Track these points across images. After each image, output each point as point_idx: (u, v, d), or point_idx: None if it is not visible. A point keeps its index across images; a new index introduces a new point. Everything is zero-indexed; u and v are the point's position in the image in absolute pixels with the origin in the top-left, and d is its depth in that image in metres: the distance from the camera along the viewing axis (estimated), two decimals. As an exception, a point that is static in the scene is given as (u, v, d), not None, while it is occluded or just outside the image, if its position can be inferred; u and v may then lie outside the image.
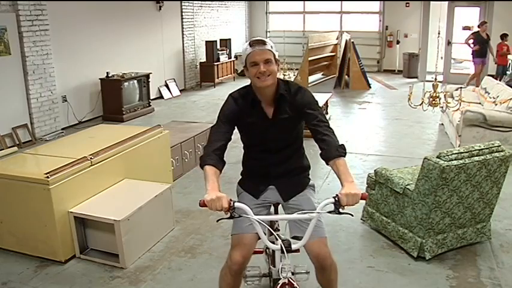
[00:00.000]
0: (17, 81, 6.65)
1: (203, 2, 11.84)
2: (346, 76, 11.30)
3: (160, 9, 10.04)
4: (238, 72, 12.86)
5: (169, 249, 3.68)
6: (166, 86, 10.45)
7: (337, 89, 10.98)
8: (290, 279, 2.08)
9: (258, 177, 2.45)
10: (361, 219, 4.02)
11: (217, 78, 11.51)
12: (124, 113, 8.13)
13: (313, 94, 2.41)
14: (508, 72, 10.08)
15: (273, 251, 2.36)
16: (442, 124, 7.36)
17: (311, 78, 10.75)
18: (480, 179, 3.30)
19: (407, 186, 3.45)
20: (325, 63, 11.84)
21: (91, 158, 3.69)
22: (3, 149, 6.28)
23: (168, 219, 3.97)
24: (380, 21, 13.61)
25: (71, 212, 3.44)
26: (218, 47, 11.72)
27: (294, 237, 2.27)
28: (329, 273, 2.30)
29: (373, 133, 7.22)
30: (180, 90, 10.84)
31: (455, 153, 3.20)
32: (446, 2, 11.50)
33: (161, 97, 10.16)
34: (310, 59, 10.41)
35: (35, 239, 3.48)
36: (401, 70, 13.03)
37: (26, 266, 3.43)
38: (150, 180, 4.11)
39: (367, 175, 3.97)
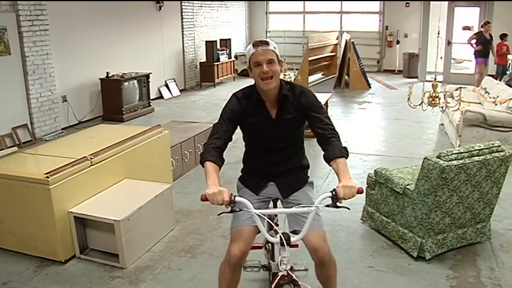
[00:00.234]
0: (17, 81, 6.65)
1: (203, 2, 11.84)
2: (346, 76, 11.30)
3: (160, 9, 10.04)
4: (238, 72, 12.87)
5: (169, 249, 3.68)
6: (166, 86, 10.46)
7: (337, 89, 10.98)
8: (289, 272, 2.12)
9: (259, 174, 2.50)
10: (361, 219, 4.02)
11: (217, 78, 11.51)
12: (124, 113, 8.13)
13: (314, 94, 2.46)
14: (508, 72, 10.08)
15: (272, 246, 2.43)
16: (442, 124, 7.36)
17: (311, 78, 10.75)
18: (480, 179, 3.30)
19: (407, 186, 3.45)
20: (325, 63, 11.83)
21: (91, 158, 3.69)
22: (3, 149, 6.28)
23: (168, 219, 3.97)
24: (380, 21, 13.61)
25: (71, 212, 3.44)
26: (218, 47, 11.72)
27: (292, 232, 2.31)
28: (327, 268, 2.33)
29: (373, 133, 7.22)
30: (180, 90, 10.84)
31: (455, 153, 3.21)
32: (446, 2, 11.50)
33: (161, 97, 10.16)
34: (310, 59, 10.40)
35: (35, 239, 3.48)
36: (401, 70, 13.03)
37: (26, 266, 3.43)
38: (150, 180, 4.11)
39: (367, 175, 3.97)
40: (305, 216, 2.19)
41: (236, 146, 3.15)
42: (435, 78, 5.07)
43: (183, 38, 11.05)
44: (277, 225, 2.61)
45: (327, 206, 2.04)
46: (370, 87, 11.12)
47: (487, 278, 3.21)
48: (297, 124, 2.42)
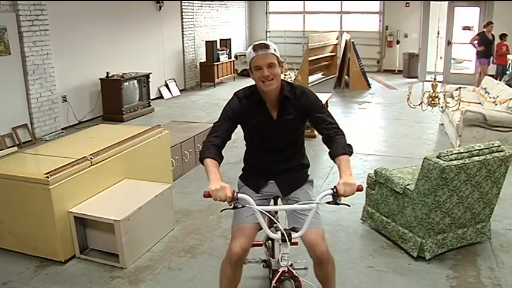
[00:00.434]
0: (17, 81, 6.65)
1: (203, 2, 11.84)
2: (346, 76, 11.29)
3: (160, 9, 10.04)
4: (238, 72, 12.87)
5: (169, 249, 3.68)
6: (166, 86, 10.45)
7: (337, 89, 10.98)
8: (289, 268, 2.13)
9: (259, 173, 2.52)
10: (361, 219, 4.02)
11: (217, 78, 11.51)
12: (124, 113, 8.13)
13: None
14: (507, 72, 10.08)
15: (272, 243, 2.48)
16: (442, 124, 7.36)
17: (311, 78, 10.75)
18: (480, 179, 3.30)
19: (407, 186, 3.45)
20: (325, 63, 11.83)
21: (91, 158, 3.69)
22: (3, 149, 6.28)
23: (168, 219, 3.97)
24: (380, 21, 13.61)
25: (71, 212, 3.44)
26: (218, 47, 11.72)
27: (292, 229, 2.31)
28: (325, 267, 2.34)
29: (373, 133, 7.22)
30: (180, 90, 10.84)
31: (455, 153, 3.21)
32: (446, 2, 11.50)
33: (161, 97, 10.16)
34: (310, 59, 10.40)
35: (35, 239, 3.48)
36: (401, 70, 13.03)
37: (26, 266, 3.43)
38: (150, 180, 4.11)
39: (367, 175, 3.97)
40: (305, 214, 2.21)
41: (236, 146, 3.15)
42: (435, 78, 5.07)
43: (183, 38, 11.06)
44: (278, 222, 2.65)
45: (328, 203, 2.06)
46: (370, 87, 11.12)
47: (487, 278, 3.21)
48: (297, 125, 2.44)
